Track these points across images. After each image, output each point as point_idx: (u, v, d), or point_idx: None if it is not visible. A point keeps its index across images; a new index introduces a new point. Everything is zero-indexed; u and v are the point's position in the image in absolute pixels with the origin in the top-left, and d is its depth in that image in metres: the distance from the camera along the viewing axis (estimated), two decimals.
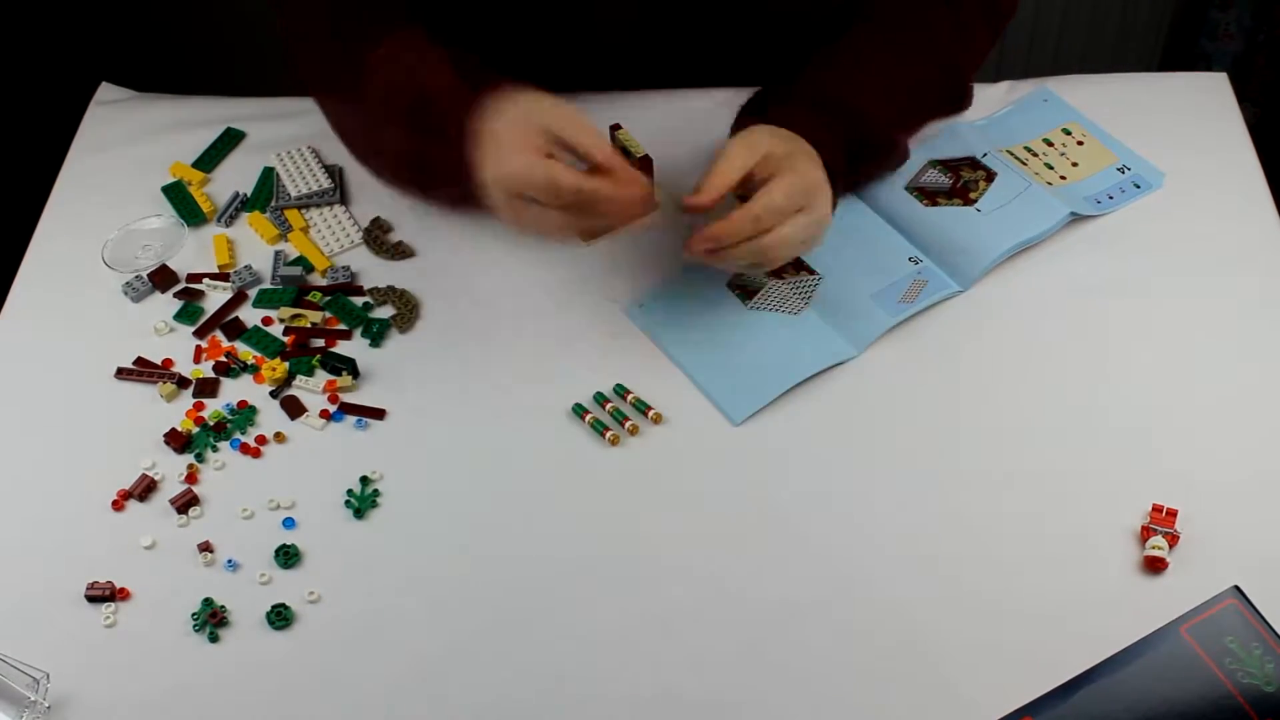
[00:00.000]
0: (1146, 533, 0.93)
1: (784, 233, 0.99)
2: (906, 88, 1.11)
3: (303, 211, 1.17)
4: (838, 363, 1.04)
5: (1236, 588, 0.90)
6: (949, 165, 1.14)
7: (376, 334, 1.08)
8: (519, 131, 0.96)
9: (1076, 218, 1.11)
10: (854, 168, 1.08)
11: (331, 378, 1.06)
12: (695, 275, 1.10)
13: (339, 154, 1.20)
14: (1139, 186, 1.14)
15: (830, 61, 1.09)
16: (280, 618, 0.93)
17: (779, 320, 1.06)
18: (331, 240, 1.15)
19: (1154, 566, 0.92)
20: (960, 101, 1.18)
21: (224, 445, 1.03)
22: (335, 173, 1.19)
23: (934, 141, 1.16)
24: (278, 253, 1.14)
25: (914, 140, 1.15)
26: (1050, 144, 1.17)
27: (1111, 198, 1.13)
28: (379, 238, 1.15)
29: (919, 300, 1.06)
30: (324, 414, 1.04)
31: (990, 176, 1.12)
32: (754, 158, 1.00)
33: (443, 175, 1.02)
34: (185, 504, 0.99)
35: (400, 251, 1.14)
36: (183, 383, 1.06)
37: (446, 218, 1.14)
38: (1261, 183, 1.15)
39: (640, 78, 1.22)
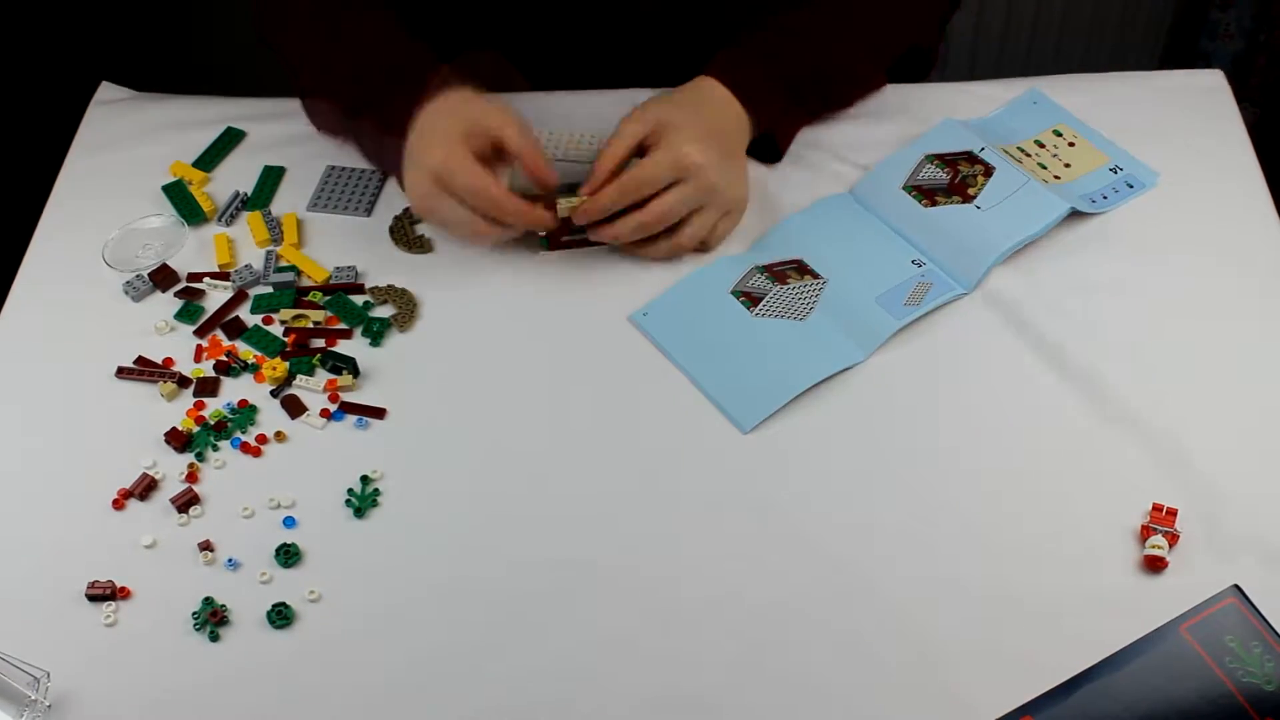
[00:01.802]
0: (1146, 532, 0.93)
1: (663, 205, 1.06)
2: (851, 6, 1.16)
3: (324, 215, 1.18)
4: (845, 368, 1.04)
5: (1236, 587, 0.90)
6: (946, 160, 1.14)
7: (377, 333, 1.08)
8: (450, 123, 1.05)
9: (1076, 214, 1.11)
10: (801, 96, 1.14)
11: (332, 377, 1.06)
12: (699, 282, 1.10)
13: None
14: (1132, 186, 1.14)
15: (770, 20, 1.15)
16: (281, 617, 0.93)
17: (785, 326, 1.06)
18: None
19: (1154, 565, 0.92)
20: (929, 24, 1.24)
21: (224, 444, 1.03)
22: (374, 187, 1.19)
23: (927, 137, 1.16)
24: (269, 253, 1.14)
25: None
26: (1041, 145, 1.17)
27: (1105, 197, 1.13)
28: (405, 227, 1.15)
29: (924, 303, 1.06)
30: (324, 413, 1.04)
31: (988, 171, 1.12)
32: (643, 130, 1.07)
33: (371, 139, 1.13)
34: (186, 503, 0.99)
35: (420, 245, 1.14)
36: (183, 382, 1.06)
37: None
38: (1260, 183, 1.15)
39: (628, 75, 1.23)
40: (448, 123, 1.05)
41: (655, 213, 1.06)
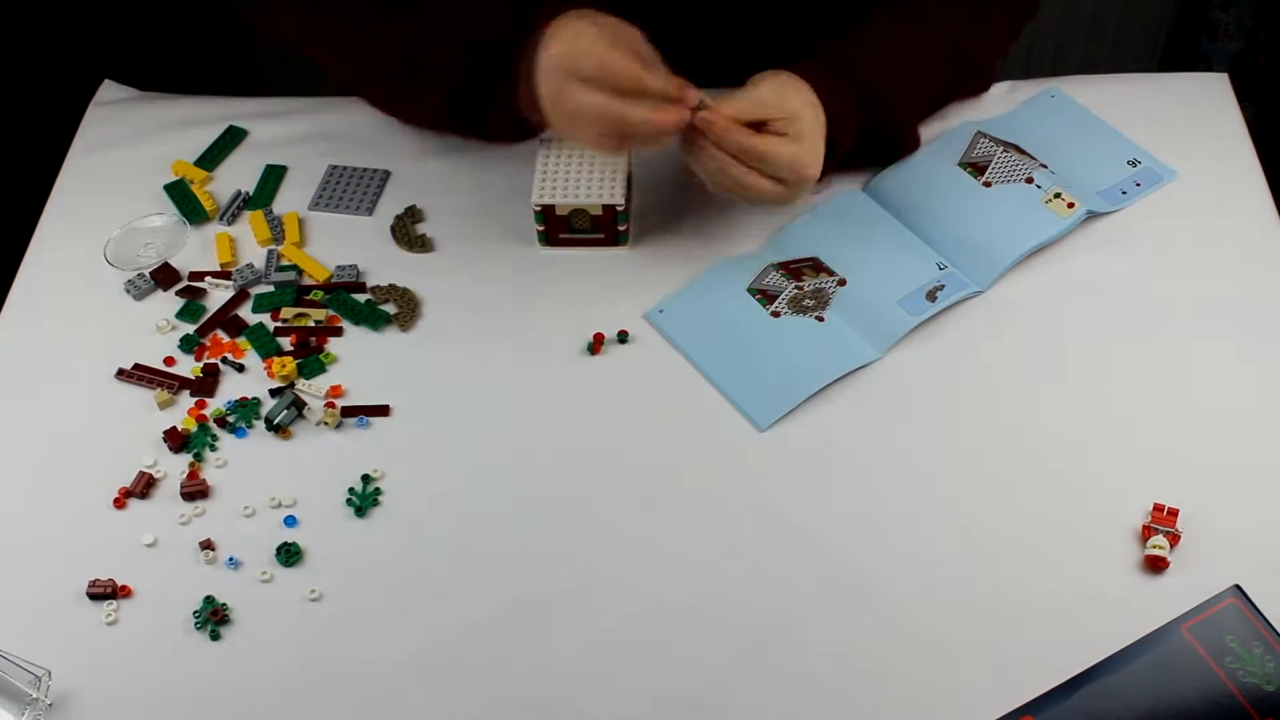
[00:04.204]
0: (1147, 532, 0.94)
1: (753, 181, 1.03)
2: (927, 76, 1.14)
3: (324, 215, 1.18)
4: (860, 366, 1.04)
5: (1237, 587, 0.90)
6: (998, 141, 1.15)
7: (381, 320, 1.09)
8: (579, 24, 0.99)
9: (1091, 214, 1.11)
10: (863, 149, 1.11)
11: (335, 384, 1.06)
12: (715, 279, 1.10)
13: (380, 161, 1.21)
14: (1140, 185, 1.14)
15: (857, 43, 1.12)
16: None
17: (801, 324, 1.06)
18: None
19: (1155, 565, 0.92)
20: (978, 86, 1.22)
21: (225, 443, 1.03)
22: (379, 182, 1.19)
23: (946, 139, 1.17)
24: (271, 252, 1.14)
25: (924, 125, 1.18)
26: (1059, 140, 1.17)
27: (1124, 193, 1.13)
28: (406, 226, 1.15)
29: (939, 300, 1.06)
30: (328, 406, 1.04)
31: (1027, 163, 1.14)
32: (780, 110, 1.03)
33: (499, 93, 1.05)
34: (194, 493, 0.99)
35: (422, 245, 1.14)
36: (184, 382, 1.06)
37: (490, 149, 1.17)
38: (1261, 183, 1.15)
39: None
40: (576, 24, 1.00)
41: (744, 178, 1.03)
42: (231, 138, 1.24)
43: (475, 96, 1.08)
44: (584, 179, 1.10)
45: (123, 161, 1.22)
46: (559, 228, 1.10)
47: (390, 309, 1.10)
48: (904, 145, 1.16)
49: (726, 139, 1.02)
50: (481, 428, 1.03)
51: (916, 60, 1.13)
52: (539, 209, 1.09)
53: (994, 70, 1.22)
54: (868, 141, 1.12)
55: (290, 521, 0.98)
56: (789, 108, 1.03)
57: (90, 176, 1.21)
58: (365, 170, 1.20)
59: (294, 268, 1.13)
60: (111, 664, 0.92)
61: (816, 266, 1.09)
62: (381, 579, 0.95)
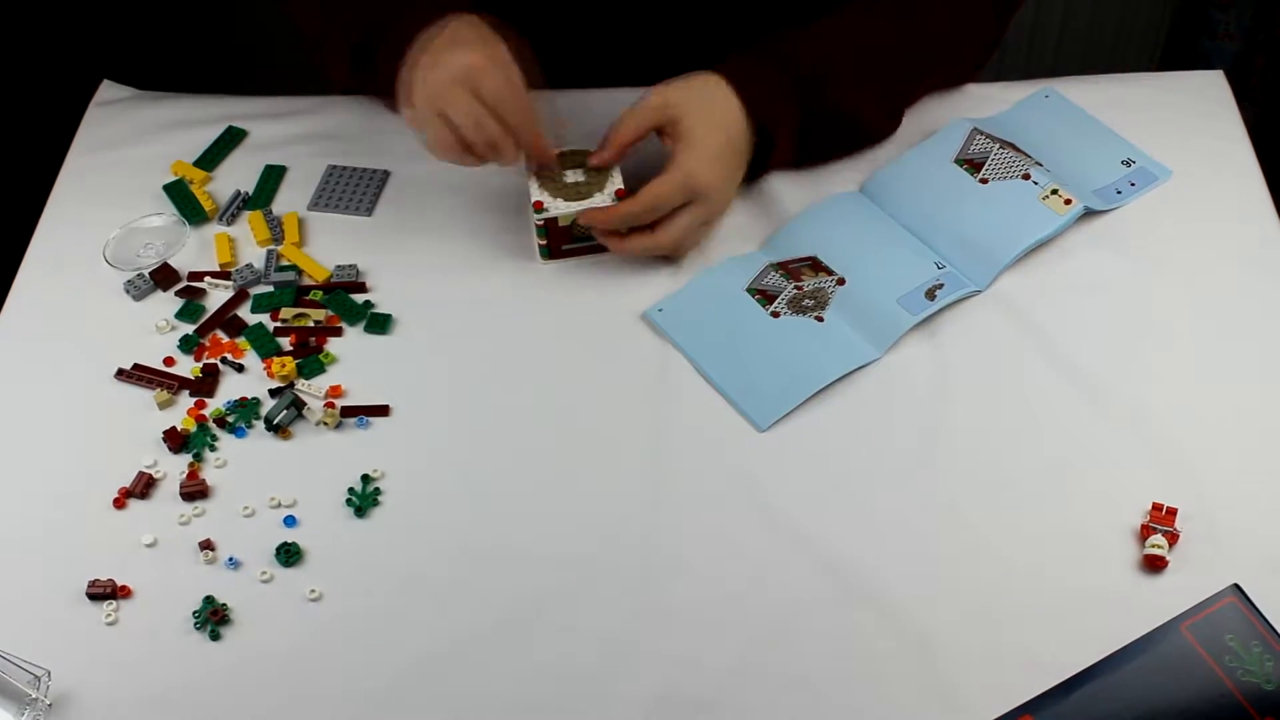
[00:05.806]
0: (1146, 531, 0.94)
1: (673, 229, 1.07)
2: (882, 50, 1.13)
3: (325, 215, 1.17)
4: (861, 365, 1.04)
5: (1236, 586, 0.90)
6: (994, 139, 1.14)
7: (381, 323, 1.09)
8: (485, 34, 1.04)
9: (1088, 212, 1.11)
10: (811, 128, 1.11)
11: (335, 384, 1.06)
12: (714, 279, 1.10)
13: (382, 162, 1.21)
14: (1135, 185, 1.14)
15: (796, 30, 1.12)
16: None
17: (800, 324, 1.06)
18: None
19: (1154, 565, 0.92)
20: (957, 76, 1.21)
21: (225, 443, 1.03)
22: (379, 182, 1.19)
23: (939, 137, 1.16)
24: (270, 253, 1.14)
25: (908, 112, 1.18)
26: (1054, 140, 1.17)
27: (1119, 192, 1.13)
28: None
29: (938, 299, 1.06)
30: (328, 406, 1.04)
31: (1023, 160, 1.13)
32: (659, 121, 1.06)
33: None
34: (193, 493, 0.99)
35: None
36: (184, 382, 1.06)
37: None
38: (1261, 183, 1.15)
39: (629, 73, 1.22)
40: (482, 33, 1.04)
41: (666, 236, 1.07)
42: (231, 138, 1.24)
43: (369, 59, 1.11)
44: (579, 184, 1.09)
45: (122, 161, 1.22)
46: (561, 239, 1.10)
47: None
48: (868, 125, 1.16)
49: (613, 222, 1.06)
50: (481, 428, 1.03)
51: (867, 36, 1.12)
52: (541, 223, 1.09)
53: (973, 47, 1.21)
54: (820, 122, 1.11)
55: (290, 521, 0.98)
56: (668, 112, 1.06)
57: (90, 176, 1.21)
58: (365, 170, 1.20)
59: (293, 268, 1.13)
60: (111, 664, 0.92)
61: (815, 266, 1.09)
62: (381, 579, 0.95)
